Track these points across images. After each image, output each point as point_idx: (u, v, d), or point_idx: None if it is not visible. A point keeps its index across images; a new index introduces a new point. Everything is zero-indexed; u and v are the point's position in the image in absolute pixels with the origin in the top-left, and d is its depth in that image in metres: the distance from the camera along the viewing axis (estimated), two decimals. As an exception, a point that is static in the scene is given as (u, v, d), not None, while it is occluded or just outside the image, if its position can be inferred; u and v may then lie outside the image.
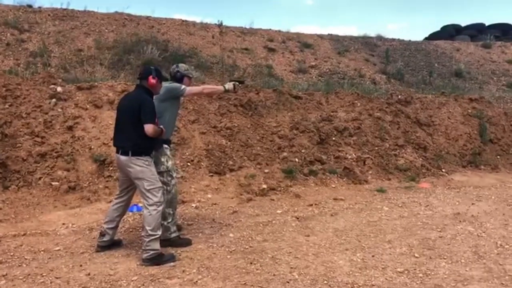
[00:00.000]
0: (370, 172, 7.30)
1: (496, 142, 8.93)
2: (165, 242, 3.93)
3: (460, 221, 4.90)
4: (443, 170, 7.77)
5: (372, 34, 15.02)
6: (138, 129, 3.64)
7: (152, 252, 3.63)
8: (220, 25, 10.89)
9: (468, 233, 4.43)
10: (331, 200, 5.89)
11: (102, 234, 3.93)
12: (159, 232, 3.71)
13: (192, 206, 5.34)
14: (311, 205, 5.62)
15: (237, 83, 4.53)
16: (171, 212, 4.09)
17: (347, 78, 11.62)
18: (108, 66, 9.57)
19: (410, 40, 15.44)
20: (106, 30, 11.06)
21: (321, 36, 14.15)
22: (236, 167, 6.60)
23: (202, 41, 11.80)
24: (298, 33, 14.18)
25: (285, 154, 7.29)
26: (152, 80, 3.81)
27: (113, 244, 4.00)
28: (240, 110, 7.85)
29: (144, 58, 9.91)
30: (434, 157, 8.10)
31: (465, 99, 9.94)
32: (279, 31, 13.97)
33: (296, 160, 7.24)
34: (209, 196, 5.74)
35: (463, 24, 16.46)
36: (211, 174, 6.31)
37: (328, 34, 14.53)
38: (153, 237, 3.63)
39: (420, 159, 7.90)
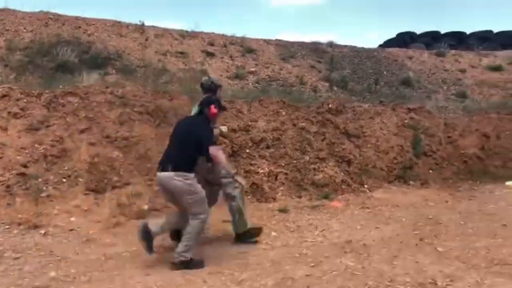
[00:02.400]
0: (281, 188, 6.62)
1: (431, 155, 8.36)
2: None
3: (345, 252, 4.23)
4: (365, 186, 7.14)
5: (324, 40, 14.40)
6: (189, 152, 3.83)
7: (182, 259, 3.85)
8: (141, 25, 10.15)
9: (344, 269, 3.75)
10: (219, 223, 5.16)
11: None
12: (197, 243, 3.94)
13: (40, 233, 4.54)
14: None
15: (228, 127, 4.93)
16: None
17: (286, 85, 10.99)
18: (15, 68, 8.73)
19: (363, 47, 14.93)
20: (24, 30, 10.20)
21: (267, 41, 13.52)
22: (121, 183, 5.84)
23: (133, 44, 11.03)
24: (243, 37, 13.51)
25: (188, 168, 6.55)
26: (214, 110, 4.01)
27: None
28: (145, 119, 7.10)
29: (58, 61, 9.09)
30: (359, 171, 7.47)
31: (403, 108, 9.38)
32: (223, 35, 13.30)
33: (201, 175, 6.51)
34: (72, 219, 4.95)
35: (418, 32, 16.10)
36: (87, 192, 5.52)
37: (276, 40, 13.91)
38: (189, 249, 3.86)
39: (342, 173, 7.26)
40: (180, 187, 3.79)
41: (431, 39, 15.55)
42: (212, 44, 12.38)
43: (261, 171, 6.79)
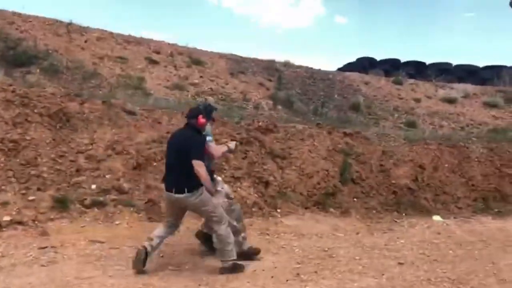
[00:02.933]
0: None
1: (359, 182, 7.95)
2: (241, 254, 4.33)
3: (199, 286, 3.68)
4: (278, 210, 6.66)
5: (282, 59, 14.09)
6: (191, 167, 3.90)
7: (230, 263, 4.11)
8: (68, 25, 9.63)
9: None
10: (83, 243, 4.57)
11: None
12: (232, 244, 4.15)
13: None
14: (44, 247, 4.29)
15: (236, 142, 4.99)
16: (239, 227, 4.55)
17: (228, 100, 10.56)
18: None
19: (320, 69, 14.69)
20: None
21: (220, 55, 13.13)
22: (-10, 189, 5.21)
23: (69, 44, 10.48)
24: (195, 48, 13.11)
25: (81, 178, 5.98)
26: (202, 120, 4.12)
27: None
28: (45, 121, 6.53)
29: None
30: (276, 194, 7.00)
31: (340, 132, 9.00)
32: (173, 44, 12.87)
33: (93, 187, 5.94)
34: None
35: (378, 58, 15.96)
36: None
37: (230, 54, 13.54)
38: (228, 251, 4.11)
39: (256, 195, 6.77)
40: (198, 203, 4.04)
41: (391, 67, 15.42)
42: (158, 52, 11.93)
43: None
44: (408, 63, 16.15)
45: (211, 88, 10.87)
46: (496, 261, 5.15)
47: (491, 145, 10.38)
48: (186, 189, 3.94)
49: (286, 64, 14.04)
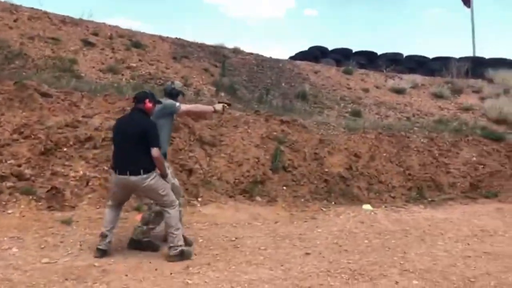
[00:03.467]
0: (89, 196, 5.69)
1: (290, 170, 7.76)
2: (135, 242, 4.35)
3: (66, 280, 3.35)
4: (199, 199, 6.38)
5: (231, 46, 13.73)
6: (145, 150, 4.02)
7: (179, 249, 4.10)
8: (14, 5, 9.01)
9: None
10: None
11: (104, 236, 4.15)
12: (181, 228, 4.21)
13: None
14: None
15: (225, 104, 4.85)
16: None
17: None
18: None
19: (270, 57, 14.41)
20: None
21: (164, 38, 12.64)
22: None
23: (-5, 23, 9.78)
24: (139, 32, 12.57)
25: (-21, 163, 5.50)
26: (149, 104, 4.19)
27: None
28: None
29: None
30: (199, 182, 6.71)
31: (276, 120, 8.78)
32: (115, 26, 12.29)
33: (-8, 173, 5.48)
34: None
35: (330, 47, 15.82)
36: None
37: (176, 38, 13.07)
38: (178, 234, 4.11)
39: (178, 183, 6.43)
40: (153, 185, 4.08)
41: (342, 56, 15.31)
42: (96, 34, 11.34)
43: (72, 174, 5.84)
44: (359, 53, 16.08)
45: (149, 73, 10.42)
46: (408, 251, 5.05)
47: (432, 135, 10.43)
48: (142, 171, 4.01)
49: (235, 51, 13.69)
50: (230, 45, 13.86)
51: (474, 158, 10.07)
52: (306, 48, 15.70)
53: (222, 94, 10.81)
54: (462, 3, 17.44)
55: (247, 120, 8.49)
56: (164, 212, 4.18)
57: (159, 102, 4.42)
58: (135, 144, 4.03)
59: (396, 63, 15.87)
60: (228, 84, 11.04)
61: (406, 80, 14.92)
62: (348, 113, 12.12)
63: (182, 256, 4.11)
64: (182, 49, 12.41)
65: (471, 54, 16.61)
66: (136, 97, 4.30)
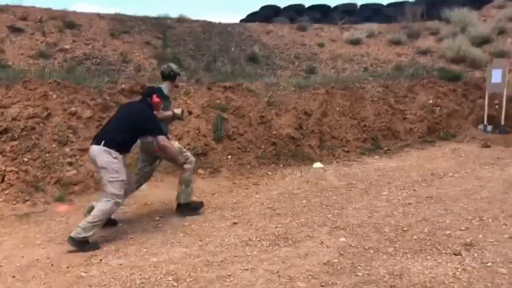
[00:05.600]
0: (6, 192, 5.25)
1: (236, 138, 7.40)
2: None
3: None
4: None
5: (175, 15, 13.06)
6: (125, 131, 3.97)
7: (80, 236, 3.74)
8: None
9: None
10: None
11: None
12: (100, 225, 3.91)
13: None
14: None
15: (186, 112, 5.07)
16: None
17: (104, 64, 9.57)
18: None
19: (219, 23, 13.78)
20: None
21: (101, 15, 11.91)
22: None
23: None
24: (74, 12, 11.82)
25: None
26: (156, 99, 4.24)
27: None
28: None
29: None
30: (130, 161, 6.28)
31: (220, 87, 8.33)
32: (48, 9, 11.50)
33: None
34: None
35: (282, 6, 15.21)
36: None
37: (114, 13, 12.34)
38: (91, 225, 3.79)
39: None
40: (106, 163, 3.88)
41: (295, 13, 14.73)
42: (25, 19, 10.58)
43: (-14, 170, 5.37)
44: (312, 8, 15.52)
45: (84, 53, 9.80)
46: (346, 206, 4.79)
47: (387, 83, 10.13)
48: (103, 142, 3.92)
49: (180, 20, 13.03)
50: (175, 14, 13.20)
51: (431, 101, 9.83)
52: (257, 9, 15.05)
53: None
54: None
55: (187, 90, 8.04)
56: (102, 198, 3.98)
57: (168, 98, 4.70)
58: (118, 122, 4.04)
59: (351, 14, 15.39)
60: (171, 56, 10.47)
61: (362, 29, 14.47)
62: (303, 71, 11.71)
63: (82, 245, 3.77)
64: (122, 25, 11.73)
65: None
66: (145, 91, 4.43)
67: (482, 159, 7.20)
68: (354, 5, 15.60)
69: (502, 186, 5.24)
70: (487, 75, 9.58)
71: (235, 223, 4.31)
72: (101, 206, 3.88)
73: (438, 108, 9.75)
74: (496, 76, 9.36)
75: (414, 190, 5.36)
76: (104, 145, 3.89)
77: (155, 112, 4.33)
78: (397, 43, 13.99)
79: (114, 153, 3.91)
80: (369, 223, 4.05)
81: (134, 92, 7.39)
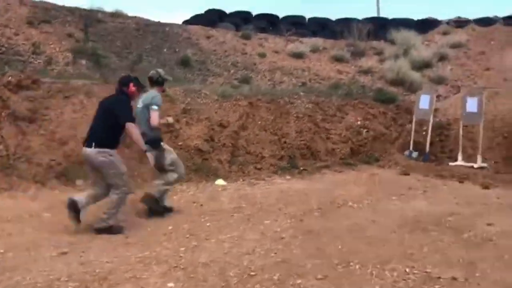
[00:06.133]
0: None
1: (131, 146, 6.67)
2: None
3: None
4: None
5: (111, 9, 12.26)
6: (109, 127, 4.15)
7: (104, 224, 4.17)
8: None
9: None
10: None
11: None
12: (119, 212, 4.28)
13: None
14: None
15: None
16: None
17: (9, 53, 8.67)
18: None
19: (159, 22, 13.09)
20: None
21: (23, 2, 10.97)
22: None
23: None
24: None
25: None
26: (133, 88, 4.33)
27: None
28: None
29: None
30: (-1, 167, 5.48)
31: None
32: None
33: None
34: None
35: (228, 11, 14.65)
36: None
37: (40, 1, 11.42)
38: (111, 217, 4.20)
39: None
40: (104, 162, 4.12)
41: (242, 20, 14.23)
42: None
43: None
44: (260, 16, 15.08)
45: (-11, 42, 8.87)
46: (211, 237, 4.19)
47: (318, 100, 9.70)
48: (93, 144, 4.08)
49: (114, 15, 12.24)
50: (111, 8, 12.42)
51: (359, 122, 9.47)
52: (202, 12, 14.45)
53: (84, 62, 9.48)
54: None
55: (90, 89, 7.29)
56: (111, 191, 4.22)
57: (143, 87, 4.63)
58: (101, 120, 4.17)
59: (299, 26, 15.05)
60: (90, 51, 9.69)
61: (307, 43, 14.14)
62: (237, 80, 11.18)
63: (108, 231, 4.18)
64: (44, 13, 10.84)
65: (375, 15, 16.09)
66: (121, 80, 4.39)
67: (394, 188, 6.81)
68: (303, 17, 15.27)
69: (394, 223, 4.81)
70: (416, 101, 9.32)
71: (64, 253, 3.61)
72: (114, 197, 4.19)
73: (366, 130, 9.39)
74: (424, 102, 9.12)
75: (301, 220, 4.85)
76: (95, 147, 4.07)
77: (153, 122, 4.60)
78: (340, 60, 13.76)
79: (108, 151, 4.11)
80: (219, 262, 3.47)
81: (21, 87, 6.61)
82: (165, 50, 11.44)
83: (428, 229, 4.60)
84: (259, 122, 8.50)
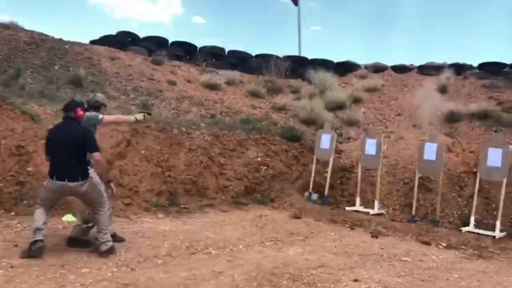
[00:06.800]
0: None
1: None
2: (73, 240, 4.43)
3: None
4: None
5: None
6: (82, 157, 4.24)
7: (109, 244, 4.31)
8: None
9: None
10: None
11: (39, 229, 4.11)
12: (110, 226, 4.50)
13: None
14: None
15: (146, 114, 5.21)
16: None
17: None
18: None
19: (60, 39, 11.98)
20: None
21: None
22: None
23: None
24: None
25: None
26: (81, 112, 4.36)
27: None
28: None
29: None
30: None
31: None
32: None
33: None
34: None
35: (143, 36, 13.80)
36: None
37: None
38: (108, 231, 4.35)
39: None
40: (89, 190, 4.27)
41: (156, 46, 13.43)
42: None
43: None
44: (177, 44, 14.39)
45: None
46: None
47: (219, 133, 8.93)
48: (79, 178, 4.20)
49: (5, 26, 10.99)
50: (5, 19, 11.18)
51: (259, 159, 8.80)
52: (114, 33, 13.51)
53: None
54: (290, 1, 16.83)
55: None
56: (96, 212, 4.32)
57: (87, 110, 4.58)
58: (71, 152, 4.19)
59: (217, 57, 14.50)
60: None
61: (223, 75, 13.55)
62: (135, 106, 10.19)
63: (112, 251, 4.28)
64: None
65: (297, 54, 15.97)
66: (67, 106, 4.42)
67: (275, 232, 6.07)
68: (222, 49, 14.77)
69: (243, 276, 3.97)
70: (316, 140, 8.81)
71: None
72: (102, 219, 4.29)
73: (265, 167, 8.71)
74: (325, 141, 8.62)
75: (132, 269, 3.89)
76: (79, 180, 4.17)
77: (116, 116, 5.27)
78: (255, 95, 13.25)
79: (86, 180, 4.23)
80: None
81: None
82: (56, 67, 10.29)
83: (279, 285, 3.80)
84: (142, 152, 7.56)
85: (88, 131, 4.36)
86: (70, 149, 4.19)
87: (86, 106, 4.71)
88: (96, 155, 4.23)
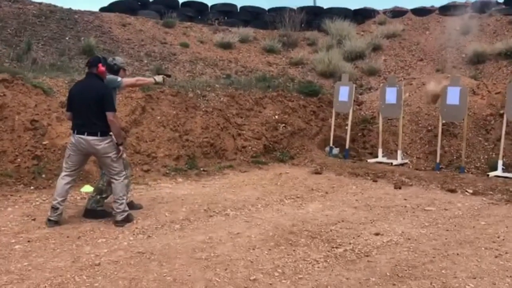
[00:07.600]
0: None
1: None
2: (89, 212, 4.44)
3: None
4: None
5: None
6: (102, 114, 4.19)
7: (125, 213, 4.28)
8: None
9: None
10: None
11: (55, 208, 4.14)
12: (126, 195, 4.48)
13: None
14: None
15: (165, 76, 5.19)
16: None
17: None
18: None
19: (69, 8, 11.80)
20: None
21: None
22: None
23: None
24: None
25: None
26: (102, 68, 4.33)
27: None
28: None
29: None
30: None
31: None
32: None
33: None
34: None
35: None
36: None
37: None
38: (124, 201, 4.31)
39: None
40: (107, 148, 4.24)
41: (166, 8, 13.09)
42: None
43: None
44: (187, 4, 13.98)
45: None
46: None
47: (234, 93, 8.76)
48: (99, 133, 4.19)
49: (19, 0, 10.88)
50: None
51: (276, 117, 8.62)
52: (123, -2, 13.18)
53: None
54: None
55: None
56: (112, 180, 4.32)
57: (110, 67, 4.59)
58: (91, 107, 4.18)
59: (229, 15, 14.07)
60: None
61: (236, 33, 13.17)
62: (149, 71, 10.07)
63: (128, 220, 4.30)
64: None
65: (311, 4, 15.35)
66: (89, 62, 4.43)
67: (295, 189, 5.99)
68: (234, 5, 14.29)
69: (261, 236, 3.91)
70: (335, 93, 8.53)
71: None
72: (116, 187, 4.28)
73: (283, 125, 8.55)
74: (343, 94, 8.34)
75: (149, 236, 3.88)
76: (98, 136, 4.18)
77: (135, 78, 5.14)
78: (270, 51, 12.89)
79: (108, 137, 4.24)
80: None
81: None
82: (67, 38, 10.19)
83: (297, 243, 3.73)
84: (158, 117, 7.49)
85: (108, 89, 4.33)
86: (90, 105, 4.19)
87: (107, 70, 4.61)
88: (109, 114, 4.19)
